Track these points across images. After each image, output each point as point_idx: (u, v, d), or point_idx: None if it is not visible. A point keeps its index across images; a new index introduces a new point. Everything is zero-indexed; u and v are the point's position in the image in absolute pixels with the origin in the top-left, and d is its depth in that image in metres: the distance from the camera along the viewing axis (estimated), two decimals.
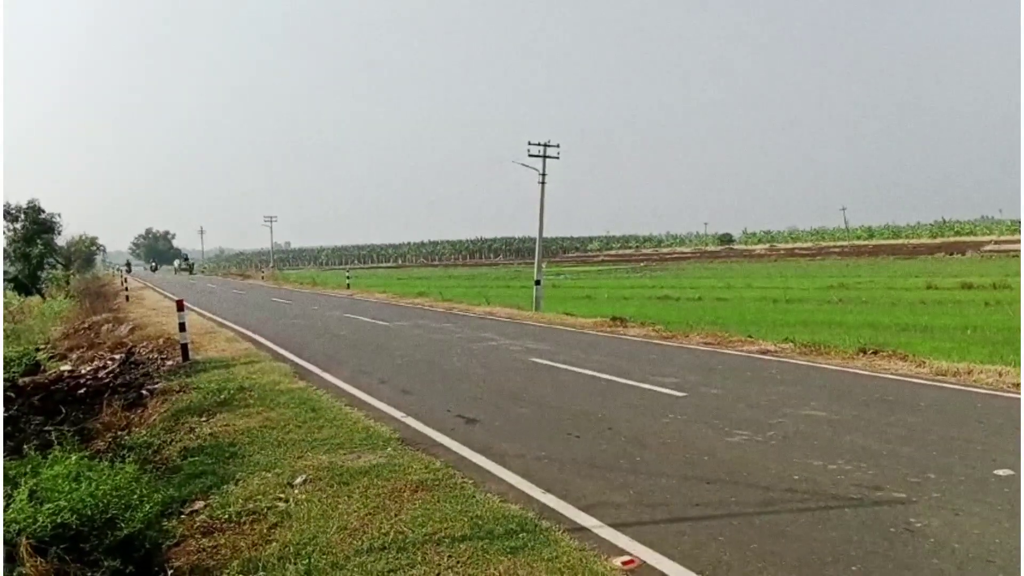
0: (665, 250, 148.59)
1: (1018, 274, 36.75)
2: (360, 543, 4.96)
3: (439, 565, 4.58)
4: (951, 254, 75.72)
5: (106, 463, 6.20)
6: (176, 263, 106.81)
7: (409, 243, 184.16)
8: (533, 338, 16.40)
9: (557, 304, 26.60)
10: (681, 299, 29.46)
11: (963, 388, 9.67)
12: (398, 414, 8.84)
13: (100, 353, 16.16)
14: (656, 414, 8.56)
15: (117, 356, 15.12)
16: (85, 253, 64.72)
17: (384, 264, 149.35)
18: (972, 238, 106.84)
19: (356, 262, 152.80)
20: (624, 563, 4.56)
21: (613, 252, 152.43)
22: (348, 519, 5.38)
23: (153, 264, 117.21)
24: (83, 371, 13.94)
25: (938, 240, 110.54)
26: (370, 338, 17.43)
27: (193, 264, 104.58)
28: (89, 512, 5.07)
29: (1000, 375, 10.13)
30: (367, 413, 8.80)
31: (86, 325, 22.21)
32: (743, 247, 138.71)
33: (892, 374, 10.79)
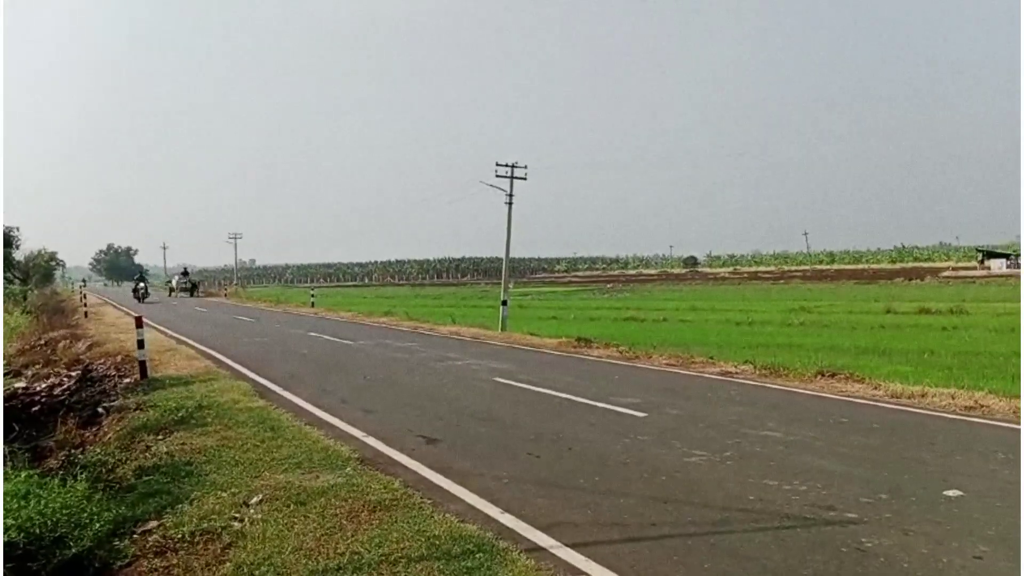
0: (632, 272, 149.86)
1: (974, 300, 37.56)
2: (316, 564, 4.92)
3: None
4: (910, 279, 77.18)
5: (57, 481, 6.09)
6: (174, 280, 70.46)
7: (376, 262, 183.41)
8: (497, 358, 16.41)
9: (523, 324, 26.63)
10: (647, 320, 29.63)
11: (917, 410, 9.86)
12: (359, 433, 8.78)
13: (56, 370, 15.83)
14: (617, 434, 8.61)
15: (74, 373, 14.82)
16: (44, 268, 63.42)
17: (350, 283, 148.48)
18: (930, 264, 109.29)
19: (322, 280, 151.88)
20: None
21: (580, 273, 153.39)
22: (304, 539, 5.33)
23: (140, 284, 54.29)
24: (38, 388, 13.64)
25: (898, 266, 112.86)
26: (333, 357, 17.31)
27: (198, 282, 71.23)
28: (37, 530, 4.97)
29: (953, 398, 10.34)
30: (327, 432, 8.73)
31: (43, 341, 21.75)
32: (708, 270, 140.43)
33: (848, 396, 10.97)
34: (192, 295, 62.98)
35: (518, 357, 16.69)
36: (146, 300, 50.06)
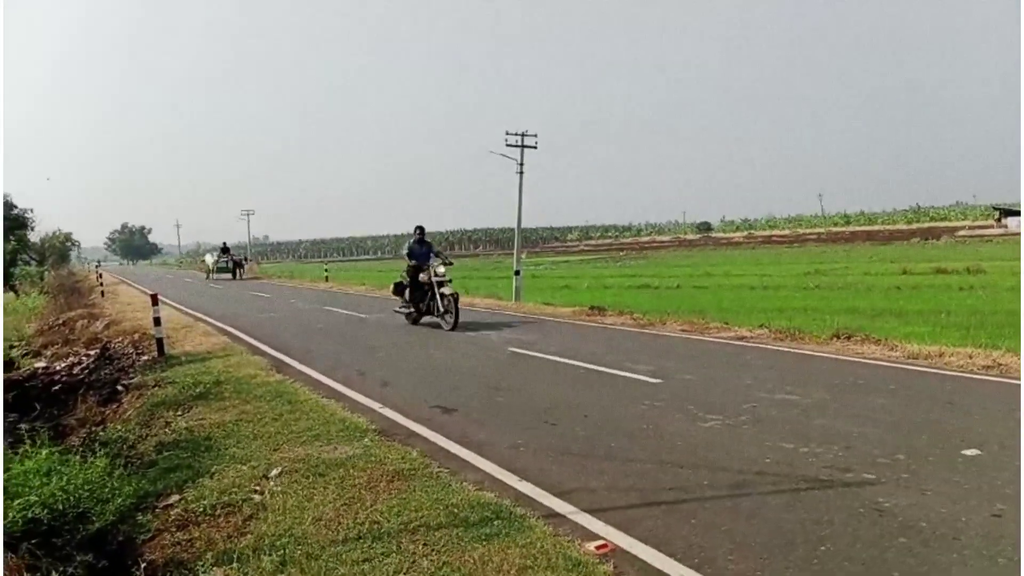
0: (645, 239, 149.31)
1: (991, 259, 37.24)
2: (335, 533, 4.97)
3: (414, 553, 4.60)
4: (926, 239, 76.57)
5: (78, 458, 6.17)
6: (210, 257, 56.11)
7: (389, 235, 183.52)
8: (512, 328, 16.42)
9: (537, 294, 26.64)
10: (660, 287, 29.56)
11: (934, 371, 9.81)
12: (375, 405, 8.83)
13: (75, 349, 16.00)
14: (632, 401, 8.62)
15: (92, 352, 14.97)
16: (59, 249, 63.86)
17: (364, 256, 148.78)
18: (946, 223, 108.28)
19: (336, 255, 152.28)
20: (598, 547, 4.60)
21: (593, 242, 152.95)
22: (324, 510, 5.39)
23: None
24: (57, 367, 13.80)
25: (913, 226, 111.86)
26: (348, 331, 17.39)
27: (242, 260, 54.17)
28: (60, 506, 5.05)
29: (971, 357, 10.27)
30: (344, 405, 8.79)
31: (61, 321, 21.96)
32: (721, 235, 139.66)
33: (865, 358, 10.91)
34: (235, 277, 49.76)
35: (533, 327, 16.70)
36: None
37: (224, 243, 57.17)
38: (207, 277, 52.08)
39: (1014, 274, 26.75)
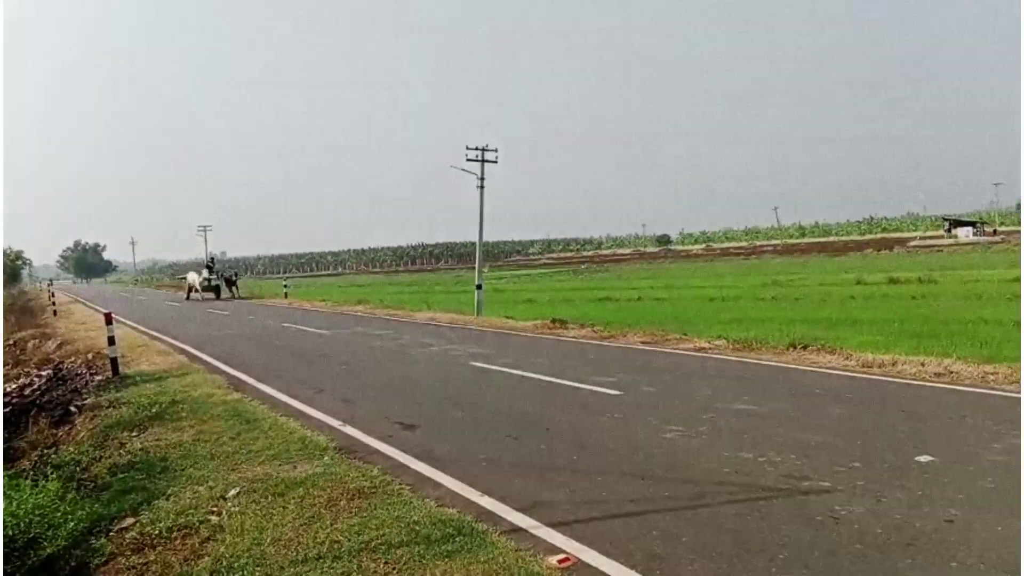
0: (606, 252, 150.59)
1: (942, 268, 38.13)
2: (295, 554, 4.91)
3: (375, 572, 4.56)
4: (879, 250, 78.15)
5: (29, 482, 6.01)
6: (194, 275, 46.72)
7: (349, 250, 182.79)
8: (474, 342, 16.41)
9: (499, 308, 26.64)
10: (621, 300, 29.74)
11: (887, 379, 10.01)
12: (336, 423, 8.74)
13: (26, 370, 15.61)
14: (593, 413, 8.66)
15: (44, 372, 14.63)
16: (10, 268, 62.41)
17: (324, 272, 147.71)
18: (899, 234, 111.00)
19: (295, 271, 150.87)
20: (560, 561, 4.60)
21: (555, 255, 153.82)
22: (283, 530, 5.31)
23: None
24: (8, 389, 13.44)
25: (867, 237, 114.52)
26: (308, 347, 17.21)
27: (232, 276, 48.10)
28: (10, 532, 4.91)
29: (923, 365, 10.50)
30: (304, 423, 8.69)
31: (11, 342, 21.42)
32: (680, 248, 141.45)
33: (821, 367, 11.10)
34: (219, 296, 43.40)
35: (494, 341, 16.70)
36: None
37: (212, 257, 51.38)
38: (188, 297, 44.90)
39: (964, 283, 27.46)
